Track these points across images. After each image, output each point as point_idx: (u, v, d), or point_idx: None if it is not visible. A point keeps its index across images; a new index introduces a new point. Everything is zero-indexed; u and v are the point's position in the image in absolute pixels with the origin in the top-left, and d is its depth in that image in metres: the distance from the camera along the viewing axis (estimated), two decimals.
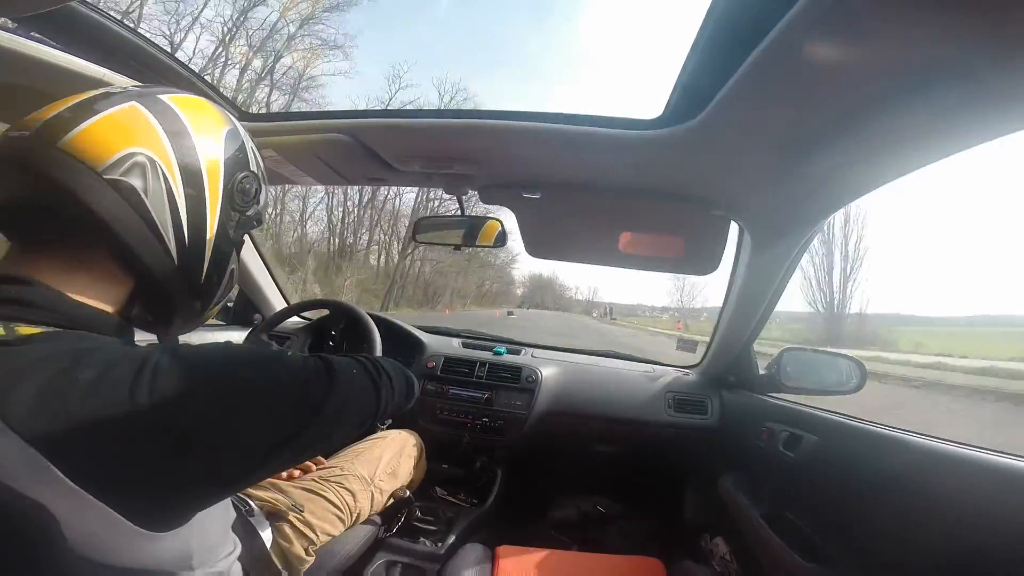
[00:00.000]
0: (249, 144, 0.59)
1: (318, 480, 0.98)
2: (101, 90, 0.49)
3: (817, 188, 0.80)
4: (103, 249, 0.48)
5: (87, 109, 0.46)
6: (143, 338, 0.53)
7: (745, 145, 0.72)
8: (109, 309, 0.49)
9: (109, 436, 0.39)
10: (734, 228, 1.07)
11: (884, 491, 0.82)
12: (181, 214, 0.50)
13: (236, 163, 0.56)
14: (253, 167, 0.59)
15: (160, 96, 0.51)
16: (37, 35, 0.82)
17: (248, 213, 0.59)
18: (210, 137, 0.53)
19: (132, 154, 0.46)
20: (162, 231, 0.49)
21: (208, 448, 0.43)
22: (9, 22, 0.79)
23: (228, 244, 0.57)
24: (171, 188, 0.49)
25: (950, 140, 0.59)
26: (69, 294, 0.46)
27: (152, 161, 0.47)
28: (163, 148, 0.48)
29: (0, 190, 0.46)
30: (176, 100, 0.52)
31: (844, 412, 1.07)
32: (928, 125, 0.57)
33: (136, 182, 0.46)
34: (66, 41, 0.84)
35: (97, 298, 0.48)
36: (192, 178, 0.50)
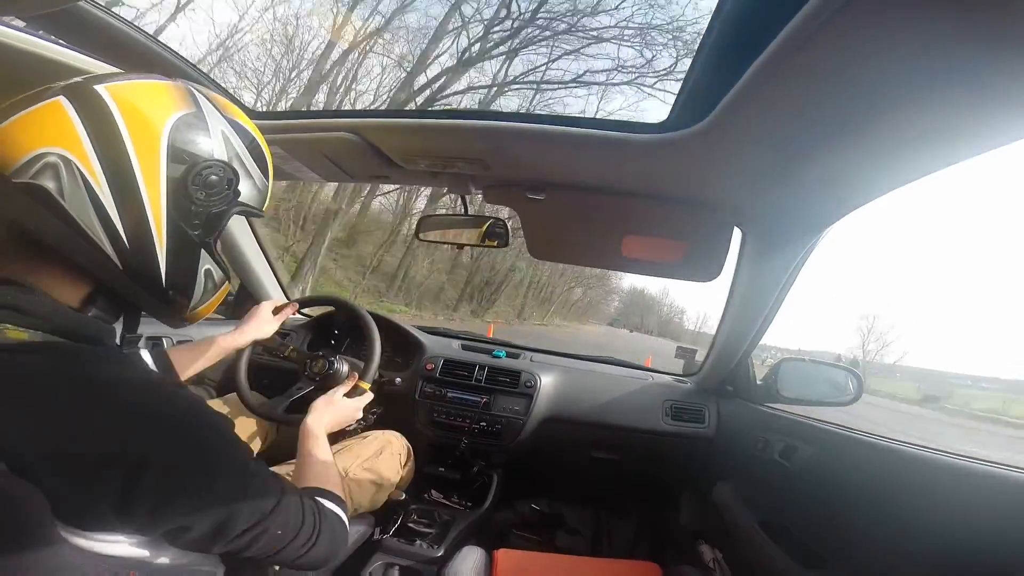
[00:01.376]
0: (220, 128, 0.53)
1: (289, 475, 0.97)
2: (45, 86, 0.46)
3: (822, 194, 0.81)
4: (50, 255, 0.46)
5: (18, 106, 0.43)
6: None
7: (750, 150, 0.72)
8: (74, 306, 0.48)
9: (62, 454, 0.39)
10: (736, 235, 1.08)
11: (878, 500, 0.82)
12: (112, 215, 0.45)
13: (189, 153, 0.49)
14: (222, 154, 0.52)
15: (96, 86, 0.46)
16: (45, 33, 0.83)
17: (215, 210, 0.52)
18: (148, 127, 0.47)
19: (42, 154, 0.42)
20: (91, 235, 0.45)
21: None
22: (18, 20, 0.80)
23: (190, 244, 0.52)
24: (92, 188, 0.44)
25: (958, 146, 0.59)
26: (45, 294, 0.45)
27: (66, 160, 0.43)
28: (80, 145, 0.44)
29: None
30: (117, 88, 0.46)
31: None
32: (936, 130, 0.57)
33: (49, 183, 0.42)
34: (71, 39, 0.84)
35: (62, 297, 0.47)
36: (120, 175, 0.45)
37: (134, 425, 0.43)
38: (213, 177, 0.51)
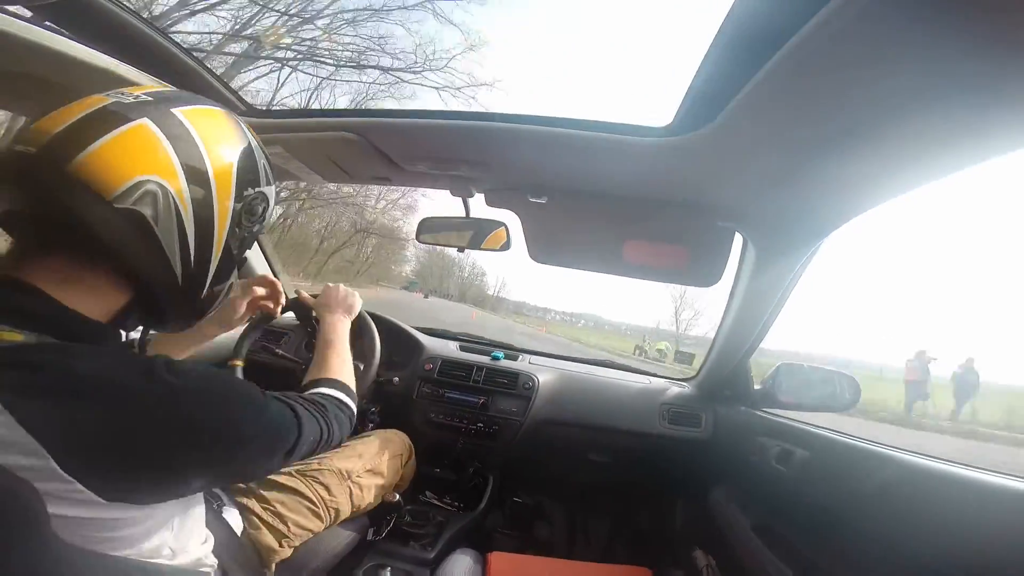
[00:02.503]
0: (262, 160, 0.57)
1: (292, 474, 0.98)
2: (110, 98, 0.46)
3: (825, 200, 0.81)
4: (103, 266, 0.48)
5: (97, 125, 0.44)
6: None
7: (754, 155, 0.72)
8: (102, 318, 0.49)
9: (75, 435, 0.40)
10: (738, 241, 1.08)
11: (873, 506, 0.82)
12: (189, 238, 0.49)
13: (247, 182, 0.54)
14: (263, 186, 0.57)
15: (173, 111, 0.48)
16: (50, 24, 0.82)
17: (253, 231, 0.58)
18: (223, 158, 0.51)
19: (144, 182, 0.44)
20: (169, 256, 0.48)
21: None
22: (23, 11, 0.80)
23: (230, 261, 0.57)
24: (181, 215, 0.47)
25: (962, 153, 0.60)
26: (63, 302, 0.45)
27: (164, 188, 0.45)
28: (175, 174, 0.46)
29: (6, 201, 0.45)
30: (190, 115, 0.49)
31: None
32: (940, 138, 0.57)
33: (147, 211, 0.45)
34: (78, 30, 0.84)
35: (91, 309, 0.47)
36: (203, 203, 0.49)
37: (151, 407, 0.43)
38: (257, 206, 0.56)
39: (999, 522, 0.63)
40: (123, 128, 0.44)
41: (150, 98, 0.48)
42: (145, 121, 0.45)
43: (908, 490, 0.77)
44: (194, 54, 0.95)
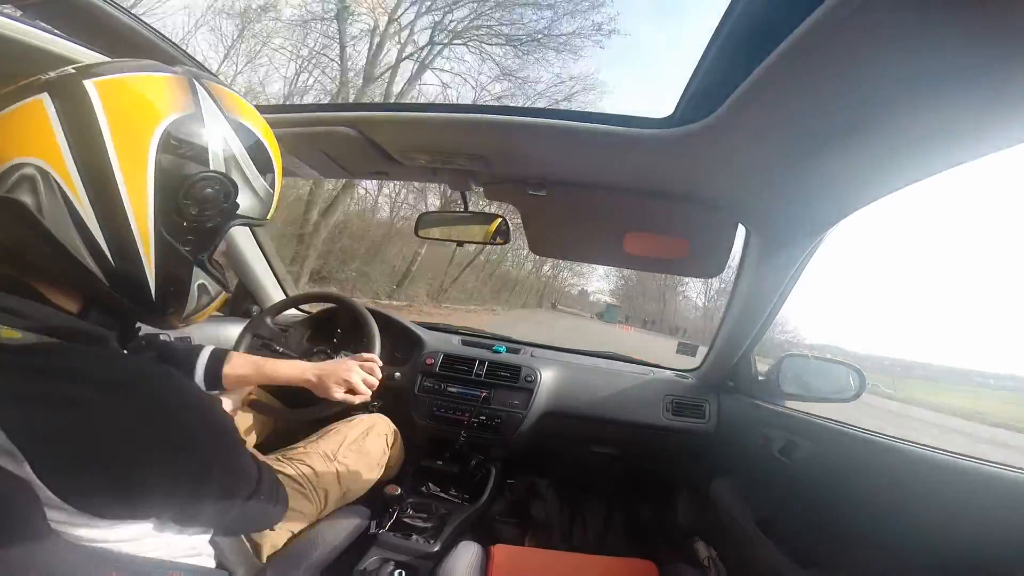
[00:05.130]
0: (221, 133, 0.47)
1: (279, 459, 0.99)
2: (35, 77, 0.42)
3: (829, 192, 0.80)
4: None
5: (2, 103, 0.40)
6: None
7: (757, 147, 0.71)
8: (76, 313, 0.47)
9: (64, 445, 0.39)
10: (741, 232, 1.06)
11: (877, 499, 0.83)
12: (93, 232, 0.41)
13: (184, 161, 0.45)
14: (219, 164, 0.47)
15: (86, 82, 0.41)
16: (43, 24, 0.81)
17: (210, 224, 0.48)
18: (135, 132, 0.42)
19: (19, 165, 0.38)
20: (71, 250, 0.41)
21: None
22: (15, 10, 0.78)
23: (182, 260, 0.48)
24: (71, 203, 0.40)
25: (963, 146, 0.59)
26: (44, 296, 0.44)
27: (44, 172, 0.39)
28: (58, 154, 0.39)
29: None
30: (104, 85, 0.42)
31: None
32: (942, 131, 0.57)
33: (26, 198, 0.39)
34: (70, 29, 0.83)
35: (65, 304, 0.45)
36: (102, 188, 0.41)
37: (130, 421, 0.42)
38: (208, 191, 0.46)
39: (1003, 513, 0.63)
40: (15, 106, 0.40)
41: (73, 71, 0.42)
42: (41, 96, 0.40)
43: (912, 481, 0.77)
44: (187, 51, 0.94)
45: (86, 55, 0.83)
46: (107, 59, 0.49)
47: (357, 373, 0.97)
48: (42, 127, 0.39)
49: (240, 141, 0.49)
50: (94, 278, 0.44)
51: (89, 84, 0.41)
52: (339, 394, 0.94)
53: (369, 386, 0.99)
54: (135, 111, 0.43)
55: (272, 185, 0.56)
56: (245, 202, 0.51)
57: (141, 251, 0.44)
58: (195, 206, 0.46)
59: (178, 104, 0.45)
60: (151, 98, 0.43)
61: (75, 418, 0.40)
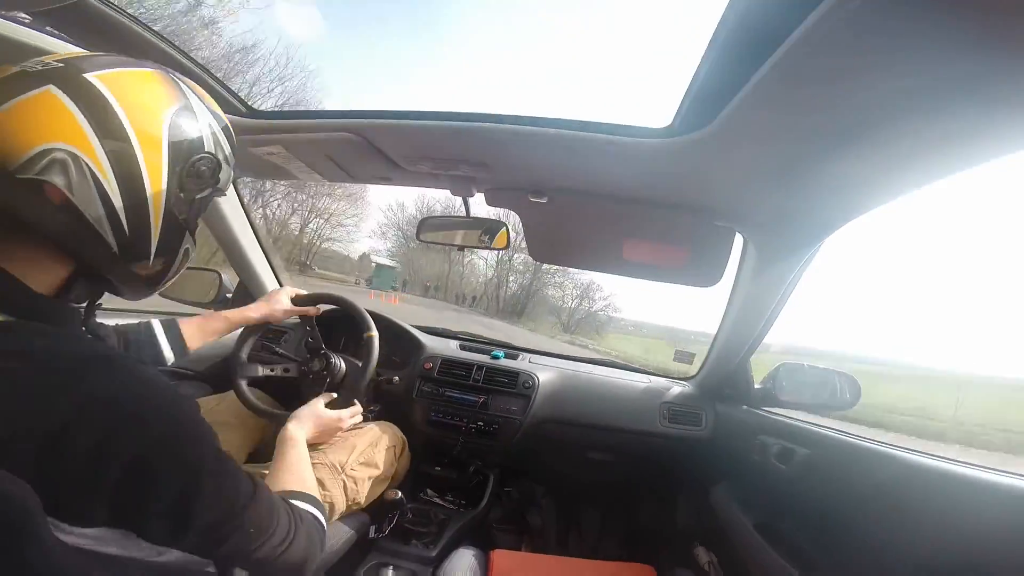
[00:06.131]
0: (209, 121, 0.55)
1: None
2: (16, 68, 0.44)
3: (825, 201, 0.81)
4: (32, 241, 0.46)
5: None
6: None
7: (754, 156, 0.72)
8: (47, 292, 0.48)
9: (36, 436, 0.38)
10: (738, 241, 1.08)
11: (874, 504, 0.83)
12: (116, 206, 0.46)
13: (187, 144, 0.51)
14: (210, 146, 0.55)
15: (87, 75, 0.45)
16: (51, 28, 0.83)
17: (202, 195, 0.56)
18: (150, 120, 0.48)
19: (49, 150, 0.42)
20: (96, 226, 0.46)
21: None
22: (24, 16, 0.80)
23: (177, 227, 0.54)
24: (100, 182, 0.45)
25: (963, 154, 0.59)
26: (17, 279, 0.44)
27: (74, 156, 0.43)
28: (86, 140, 0.44)
29: None
30: (107, 78, 0.46)
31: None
32: (941, 139, 0.57)
33: (58, 179, 0.42)
34: (75, 34, 0.84)
35: (34, 281, 0.46)
36: (126, 167, 0.46)
37: (97, 408, 0.41)
38: (204, 168, 0.54)
39: (1000, 520, 0.63)
40: (24, 96, 0.42)
41: (60, 64, 0.45)
42: (49, 88, 0.43)
43: (909, 488, 0.77)
44: (191, 55, 0.96)
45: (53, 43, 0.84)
46: (81, 52, 0.53)
47: (343, 420, 1.05)
48: (64, 116, 0.43)
49: (217, 124, 0.57)
50: (107, 248, 0.48)
51: (92, 78, 0.45)
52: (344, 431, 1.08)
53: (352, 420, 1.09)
54: (145, 102, 0.48)
55: (233, 158, 0.63)
56: (223, 176, 0.59)
57: (152, 222, 0.50)
58: (194, 181, 0.53)
59: (174, 95, 0.52)
60: (155, 91, 0.50)
61: (13, 394, 0.39)
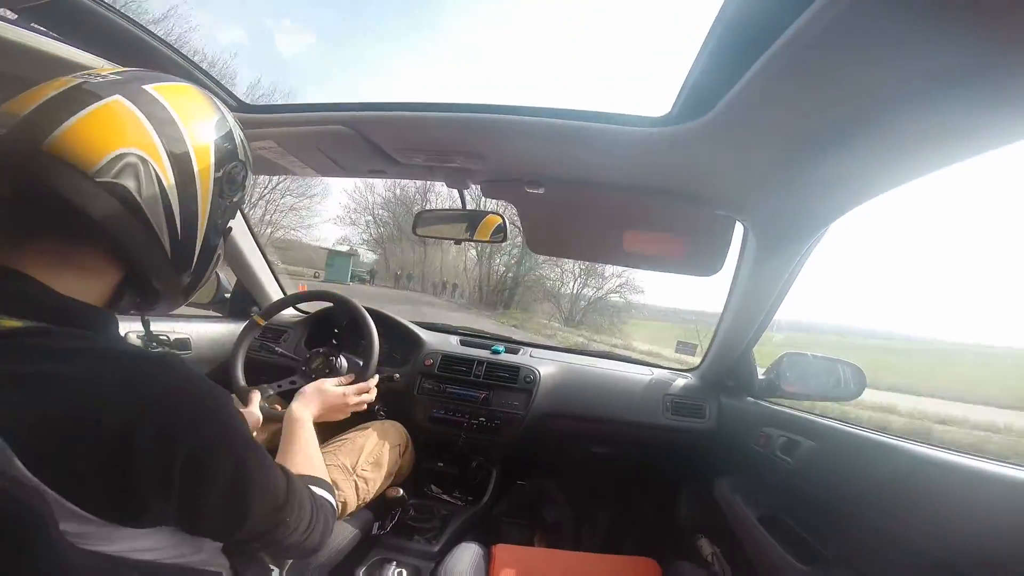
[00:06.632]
0: (237, 131, 0.59)
1: None
2: (77, 78, 0.46)
3: (826, 190, 0.80)
4: (91, 244, 0.48)
5: (69, 104, 0.44)
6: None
7: (754, 145, 0.71)
8: (96, 302, 0.49)
9: (69, 441, 0.39)
10: (739, 230, 1.06)
11: (879, 496, 0.82)
12: (174, 209, 0.50)
13: (226, 152, 0.55)
14: (241, 155, 0.59)
15: (144, 87, 0.49)
16: (37, 26, 0.81)
17: (235, 199, 0.59)
18: (200, 128, 0.52)
19: (124, 154, 0.45)
20: (156, 228, 0.48)
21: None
22: (9, 13, 0.78)
23: (216, 231, 0.58)
24: (163, 185, 0.48)
25: (961, 145, 0.59)
26: (56, 288, 0.45)
27: (144, 160, 0.46)
28: (154, 145, 0.47)
29: None
30: (161, 90, 0.50)
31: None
32: (939, 129, 0.57)
33: (130, 183, 0.45)
34: (63, 31, 0.83)
35: (84, 292, 0.48)
36: (184, 173, 0.50)
37: (159, 407, 0.43)
38: (238, 174, 0.58)
39: (1006, 512, 0.63)
40: (97, 104, 0.44)
41: (119, 77, 0.49)
42: (118, 97, 0.46)
43: (914, 481, 0.77)
44: (182, 52, 0.94)
45: (82, 57, 0.84)
46: (122, 67, 0.54)
47: (348, 396, 1.04)
48: (134, 123, 0.46)
49: (241, 133, 0.60)
50: (161, 251, 0.50)
51: (151, 89, 0.49)
52: (351, 411, 1.04)
53: (364, 400, 1.07)
54: (196, 113, 0.52)
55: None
56: (247, 185, 0.62)
57: (199, 226, 0.53)
58: (232, 187, 0.57)
59: (213, 108, 0.56)
60: (200, 103, 0.54)
61: (58, 400, 0.39)
